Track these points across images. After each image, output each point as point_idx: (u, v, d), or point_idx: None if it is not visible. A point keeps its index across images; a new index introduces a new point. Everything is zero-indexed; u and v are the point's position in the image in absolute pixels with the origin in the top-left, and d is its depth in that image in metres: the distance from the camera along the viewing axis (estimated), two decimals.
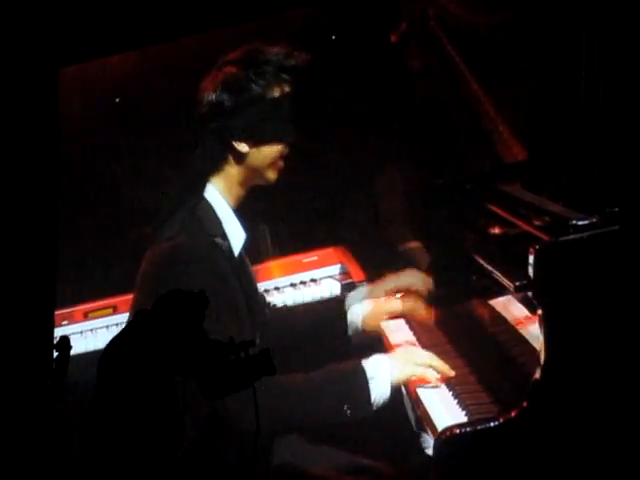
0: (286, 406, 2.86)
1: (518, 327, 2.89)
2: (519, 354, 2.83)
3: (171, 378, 2.37)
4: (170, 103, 3.79)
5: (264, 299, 3.42)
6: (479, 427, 2.61)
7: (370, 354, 3.10)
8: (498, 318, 3.03)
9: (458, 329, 3.23)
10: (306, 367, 2.98)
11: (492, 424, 2.60)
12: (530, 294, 2.66)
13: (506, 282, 2.78)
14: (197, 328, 2.36)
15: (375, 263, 3.85)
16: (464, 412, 2.76)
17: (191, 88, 3.18)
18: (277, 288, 3.84)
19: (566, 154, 3.02)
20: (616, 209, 2.63)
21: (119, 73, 3.77)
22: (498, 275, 2.86)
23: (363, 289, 3.28)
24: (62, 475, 2.89)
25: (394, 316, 3.49)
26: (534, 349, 2.69)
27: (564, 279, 2.60)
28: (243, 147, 3.06)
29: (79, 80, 3.67)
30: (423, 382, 2.95)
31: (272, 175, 3.11)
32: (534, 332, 2.68)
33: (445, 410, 2.81)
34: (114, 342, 2.40)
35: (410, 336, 3.32)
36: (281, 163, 3.11)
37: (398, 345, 3.22)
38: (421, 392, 2.93)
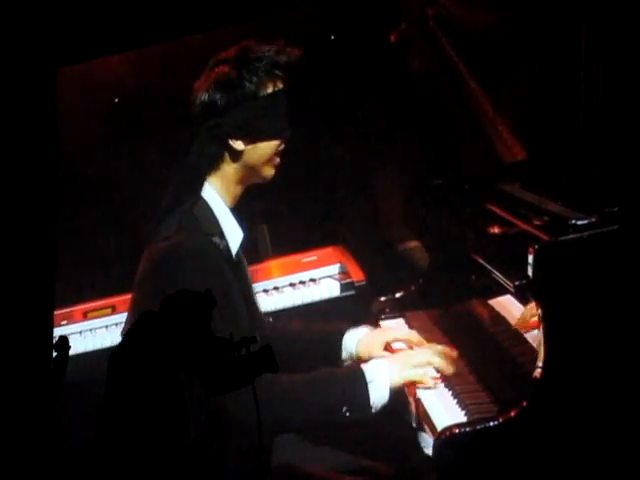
0: (285, 406, 2.86)
1: (517, 326, 2.90)
2: (519, 354, 2.83)
3: (178, 376, 2.37)
4: (170, 103, 3.79)
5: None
6: (479, 427, 2.61)
7: None
8: (497, 318, 3.03)
9: (457, 329, 3.24)
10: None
11: (492, 424, 2.60)
12: (529, 294, 2.66)
13: (505, 282, 2.79)
14: (205, 328, 2.36)
15: (374, 263, 3.86)
16: (464, 412, 2.76)
17: (190, 88, 3.18)
18: (276, 288, 3.85)
19: (565, 154, 3.02)
20: (616, 209, 2.63)
21: (118, 73, 3.77)
22: (497, 275, 2.87)
23: (362, 330, 3.26)
24: (62, 474, 2.89)
25: (393, 316, 3.49)
26: (534, 349, 2.69)
27: (563, 279, 2.60)
28: (239, 145, 3.06)
29: (78, 80, 3.67)
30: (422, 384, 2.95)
31: (269, 172, 3.11)
32: (534, 332, 2.68)
33: (444, 410, 2.81)
34: (123, 344, 2.40)
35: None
36: (277, 159, 3.11)
37: (400, 349, 3.21)
38: (420, 392, 2.93)
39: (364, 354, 3.21)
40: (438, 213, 3.51)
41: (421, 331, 3.31)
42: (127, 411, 2.36)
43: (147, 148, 3.82)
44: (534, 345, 2.70)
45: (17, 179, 3.18)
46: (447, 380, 2.95)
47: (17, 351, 3.12)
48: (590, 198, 2.77)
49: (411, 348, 3.18)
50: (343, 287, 3.83)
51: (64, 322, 3.81)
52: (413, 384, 2.96)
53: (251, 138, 3.05)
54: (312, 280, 3.88)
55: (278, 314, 3.66)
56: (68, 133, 3.52)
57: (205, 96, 3.05)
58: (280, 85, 3.08)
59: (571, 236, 2.61)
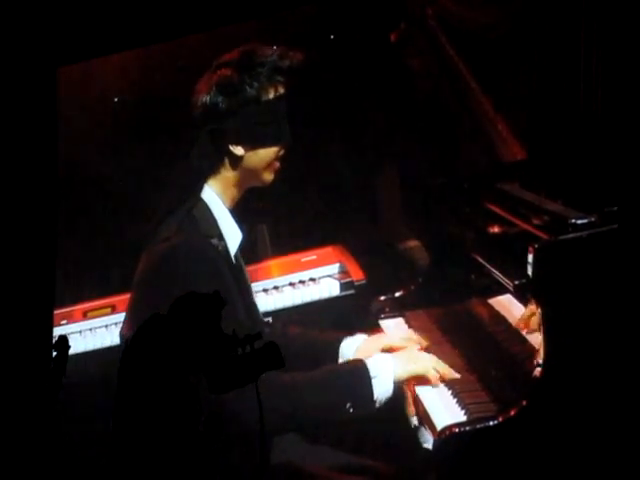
0: (287, 403, 2.86)
1: (517, 326, 2.90)
2: (518, 353, 2.83)
3: (187, 377, 2.38)
4: (170, 103, 3.79)
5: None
6: (478, 426, 2.61)
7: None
8: (497, 317, 3.03)
9: (457, 328, 3.24)
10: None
11: (492, 423, 2.60)
12: (529, 293, 2.66)
13: (505, 281, 2.79)
14: (215, 329, 2.36)
15: (374, 262, 3.86)
16: (463, 411, 2.76)
17: (190, 88, 3.18)
18: (276, 287, 3.85)
19: (565, 153, 3.02)
20: (615, 208, 2.63)
21: (118, 72, 3.77)
22: (497, 274, 2.87)
23: (360, 337, 3.26)
24: (61, 474, 2.89)
25: (393, 315, 3.50)
26: (533, 348, 2.69)
27: (563, 278, 2.60)
28: (239, 150, 3.05)
29: (77, 79, 3.67)
30: (424, 382, 2.94)
31: (268, 176, 3.11)
32: (534, 331, 2.68)
33: (444, 409, 2.81)
34: (132, 348, 2.40)
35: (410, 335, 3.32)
36: (277, 164, 3.10)
37: (401, 347, 3.21)
38: (420, 391, 2.93)
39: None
40: (438, 212, 3.51)
41: (421, 330, 3.31)
42: (139, 413, 2.36)
43: (147, 148, 3.82)
44: (534, 344, 2.70)
45: (17, 179, 3.18)
46: (447, 379, 2.95)
47: (17, 350, 3.12)
48: (590, 197, 2.77)
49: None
50: (343, 286, 3.83)
51: (64, 322, 3.81)
52: (413, 382, 2.95)
53: (251, 144, 3.05)
54: (312, 279, 3.88)
55: (278, 313, 3.67)
56: (68, 133, 3.52)
57: (207, 98, 3.04)
58: (282, 90, 3.07)
59: (571, 235, 2.61)
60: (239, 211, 3.14)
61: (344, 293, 3.81)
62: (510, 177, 3.28)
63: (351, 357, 3.22)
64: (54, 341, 2.78)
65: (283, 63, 3.03)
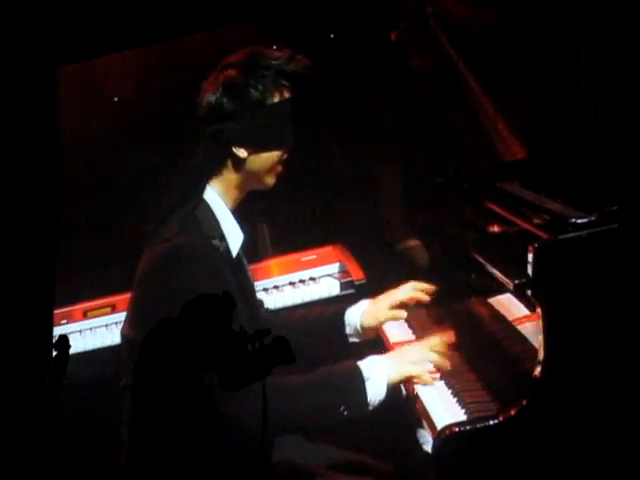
0: (283, 407, 2.86)
1: (517, 325, 2.90)
2: (518, 352, 2.83)
3: (201, 379, 2.38)
4: (170, 103, 3.79)
5: (261, 302, 3.41)
6: (479, 425, 2.61)
7: (369, 353, 3.10)
8: (497, 316, 3.03)
9: (458, 327, 3.23)
10: (304, 370, 2.97)
11: (492, 422, 2.60)
12: (529, 292, 2.66)
13: (505, 280, 2.78)
14: (227, 330, 2.37)
15: (374, 262, 3.86)
16: (463, 410, 2.76)
17: (191, 88, 3.18)
18: (276, 287, 3.85)
19: (565, 152, 3.02)
20: (615, 207, 2.63)
21: (118, 72, 3.77)
22: (497, 273, 2.87)
23: (364, 302, 3.28)
24: (61, 474, 2.89)
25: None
26: (533, 347, 2.69)
27: (563, 277, 2.60)
28: (242, 152, 3.05)
29: (78, 79, 3.68)
30: (419, 382, 2.95)
31: (271, 180, 3.11)
32: (533, 330, 2.68)
33: (444, 408, 2.81)
34: (147, 353, 2.40)
35: (409, 334, 3.33)
36: (280, 168, 3.10)
37: (397, 344, 3.22)
38: (420, 389, 2.93)
39: (371, 322, 3.24)
40: (438, 212, 3.51)
41: (421, 329, 3.31)
42: (158, 417, 2.36)
43: (147, 148, 3.82)
44: (534, 343, 2.70)
45: (17, 178, 3.18)
46: (447, 378, 2.95)
47: (17, 350, 3.12)
48: (590, 197, 2.77)
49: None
50: (343, 286, 3.83)
51: (64, 321, 3.82)
52: (411, 381, 2.96)
53: (254, 147, 3.04)
54: (312, 279, 3.88)
55: (278, 313, 3.67)
56: (68, 132, 3.52)
57: (212, 98, 3.04)
58: (287, 95, 3.06)
59: (571, 235, 2.61)
60: (240, 211, 3.14)
61: (344, 292, 3.81)
62: (510, 176, 3.28)
63: (358, 323, 3.24)
64: (54, 341, 2.78)
65: (289, 67, 3.03)
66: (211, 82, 3.06)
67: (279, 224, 4.01)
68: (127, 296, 3.21)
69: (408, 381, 2.96)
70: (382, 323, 3.27)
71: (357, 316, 3.26)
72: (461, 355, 3.05)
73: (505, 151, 3.46)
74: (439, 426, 2.68)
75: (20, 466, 2.86)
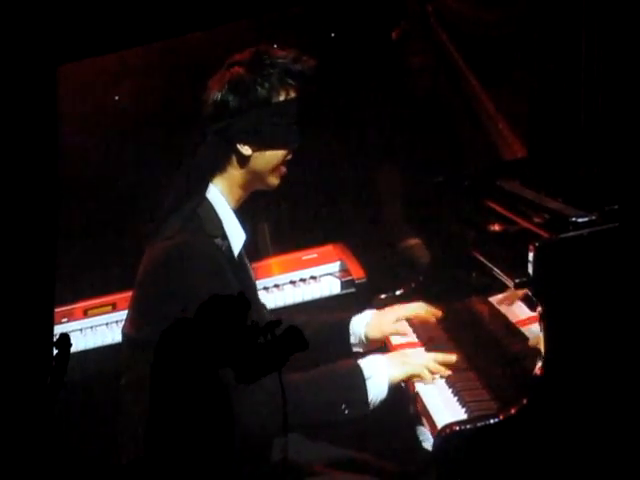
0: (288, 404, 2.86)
1: (518, 324, 2.90)
2: (519, 351, 2.83)
3: (217, 376, 2.39)
4: (171, 101, 3.79)
5: (264, 305, 3.41)
6: (479, 424, 2.61)
7: (370, 353, 3.11)
8: (498, 315, 3.03)
9: (458, 326, 3.24)
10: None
11: (492, 421, 2.60)
12: (530, 291, 2.66)
13: (506, 279, 2.78)
14: (244, 329, 2.37)
15: (375, 260, 3.86)
16: (464, 409, 2.76)
17: (191, 87, 3.18)
18: (277, 285, 3.85)
19: (566, 151, 3.02)
20: (616, 206, 2.63)
21: (118, 71, 3.77)
22: (498, 272, 2.86)
23: (369, 313, 3.28)
24: (62, 473, 2.89)
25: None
26: (534, 346, 2.69)
27: (564, 276, 2.60)
28: (246, 150, 3.05)
29: (78, 78, 3.68)
30: (419, 381, 2.95)
31: (274, 180, 3.11)
32: (534, 329, 2.68)
33: (445, 407, 2.81)
34: (162, 355, 2.41)
35: (410, 333, 3.33)
36: (284, 169, 3.10)
37: (400, 346, 3.22)
38: (420, 388, 2.94)
39: (376, 334, 3.24)
40: (438, 211, 3.51)
41: (422, 329, 3.31)
42: (176, 418, 2.37)
43: (147, 147, 3.82)
44: (534, 342, 2.70)
45: (18, 177, 3.18)
46: (447, 377, 2.95)
47: (18, 349, 3.13)
48: (590, 196, 2.77)
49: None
50: (343, 284, 3.83)
51: (64, 319, 3.82)
52: (412, 380, 2.96)
53: (259, 145, 3.05)
54: (312, 278, 3.88)
55: (279, 312, 3.67)
56: (68, 131, 3.53)
57: (218, 96, 3.04)
58: (293, 94, 3.06)
59: (571, 234, 2.61)
60: (242, 210, 3.14)
61: (345, 291, 3.81)
62: (511, 175, 3.27)
63: (362, 334, 3.24)
64: (55, 339, 2.78)
65: (295, 67, 3.03)
66: (217, 80, 3.07)
67: (280, 223, 4.01)
68: (128, 294, 3.22)
69: (409, 380, 2.96)
70: (386, 336, 3.26)
71: (362, 326, 3.25)
72: (461, 354, 3.05)
73: (505, 150, 3.46)
74: (439, 425, 2.68)
75: (21, 464, 2.86)
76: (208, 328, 2.37)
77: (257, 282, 3.44)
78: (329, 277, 3.88)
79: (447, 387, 2.90)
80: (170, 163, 3.37)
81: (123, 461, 3.02)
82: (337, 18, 3.88)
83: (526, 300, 2.78)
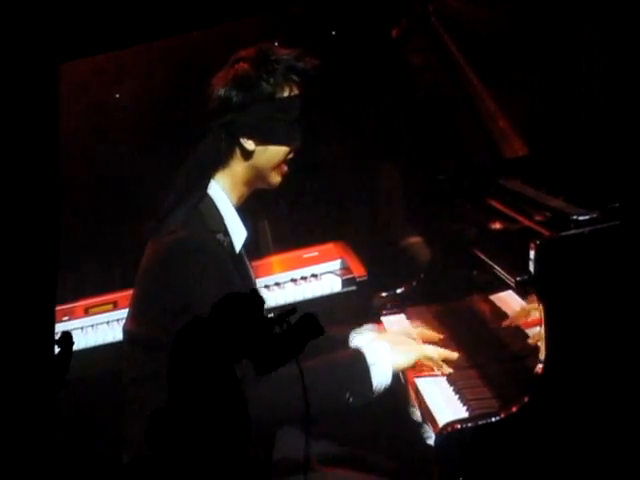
0: (287, 394, 2.86)
1: (519, 322, 2.90)
2: (520, 349, 2.83)
3: (234, 373, 2.40)
4: (171, 99, 3.79)
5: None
6: (480, 422, 2.61)
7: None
8: (499, 313, 3.04)
9: (459, 324, 3.24)
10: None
11: (493, 419, 2.60)
12: (531, 289, 2.67)
13: (507, 277, 2.79)
14: (260, 323, 2.38)
15: (376, 258, 3.86)
16: (465, 407, 2.76)
17: (192, 85, 3.18)
18: (278, 284, 3.85)
19: (567, 149, 3.02)
20: (617, 204, 2.63)
21: (120, 69, 3.77)
22: (499, 270, 2.87)
23: (368, 335, 3.28)
24: (63, 471, 2.89)
25: (394, 311, 3.50)
26: (535, 344, 2.69)
27: (565, 274, 2.60)
28: (250, 144, 3.06)
29: (79, 76, 3.68)
30: (423, 371, 2.94)
31: (276, 178, 3.12)
32: (535, 327, 2.69)
33: (446, 405, 2.82)
34: (178, 354, 2.41)
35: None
36: (285, 167, 3.12)
37: None
38: (422, 386, 2.94)
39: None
40: (439, 209, 3.52)
41: (423, 326, 3.31)
42: (197, 414, 2.37)
43: (148, 145, 3.83)
44: (535, 340, 2.70)
45: (19, 176, 3.18)
46: (448, 375, 2.95)
47: (19, 347, 3.12)
48: (592, 194, 2.78)
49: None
50: (344, 283, 3.83)
51: (65, 318, 3.82)
52: (413, 372, 2.96)
53: (262, 139, 3.06)
54: (313, 276, 3.88)
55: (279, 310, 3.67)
56: (69, 130, 3.53)
57: (223, 91, 3.06)
58: (295, 91, 3.09)
59: (572, 232, 2.61)
60: (243, 208, 3.15)
61: (346, 289, 3.81)
62: (511, 173, 3.27)
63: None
64: (58, 338, 2.78)
65: (299, 64, 3.06)
66: (222, 76, 3.09)
67: (281, 221, 4.01)
68: (129, 293, 3.22)
69: (410, 373, 2.96)
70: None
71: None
72: (463, 352, 3.05)
73: (506, 148, 3.46)
74: (441, 423, 2.68)
75: (23, 463, 2.86)
76: (226, 325, 2.37)
77: (258, 280, 3.44)
78: (330, 275, 3.88)
79: (448, 385, 2.91)
80: (171, 161, 3.37)
81: (125, 459, 3.02)
82: (338, 16, 3.88)
83: (525, 296, 2.79)
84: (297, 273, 3.89)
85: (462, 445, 2.60)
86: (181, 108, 3.76)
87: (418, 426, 2.98)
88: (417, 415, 2.97)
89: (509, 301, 2.98)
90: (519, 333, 2.86)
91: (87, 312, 3.86)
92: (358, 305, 3.63)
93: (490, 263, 2.94)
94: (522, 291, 2.80)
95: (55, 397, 2.78)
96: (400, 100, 3.91)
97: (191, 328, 2.40)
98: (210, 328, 2.37)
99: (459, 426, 2.62)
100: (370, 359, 2.94)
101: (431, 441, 2.74)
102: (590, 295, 2.58)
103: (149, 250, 3.08)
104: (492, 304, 3.10)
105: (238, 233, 3.10)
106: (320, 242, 3.97)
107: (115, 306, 3.84)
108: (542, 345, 2.59)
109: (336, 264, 3.92)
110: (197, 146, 3.11)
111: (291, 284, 3.86)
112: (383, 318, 3.46)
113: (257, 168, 3.09)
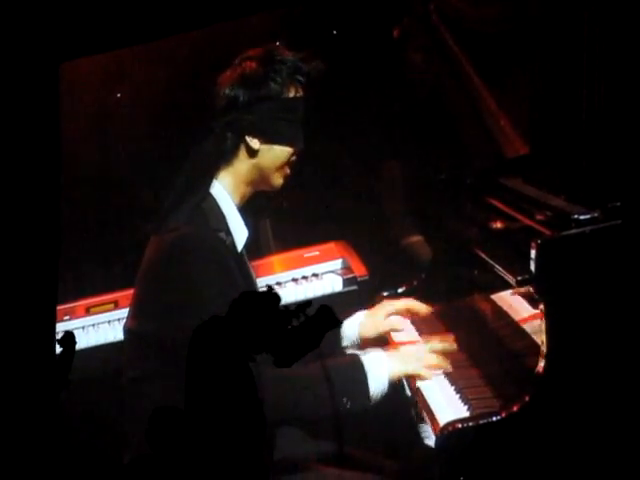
0: (285, 398, 2.87)
1: (520, 321, 2.90)
2: (521, 348, 2.83)
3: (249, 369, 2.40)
4: (172, 98, 3.79)
5: None
6: (481, 421, 2.61)
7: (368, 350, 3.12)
8: (500, 313, 3.03)
9: (460, 324, 3.24)
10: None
11: (494, 418, 2.60)
12: (532, 288, 2.66)
13: (508, 276, 2.78)
14: (277, 319, 2.38)
15: (377, 258, 3.86)
16: (466, 406, 2.77)
17: (193, 84, 3.18)
18: (279, 283, 3.85)
19: (568, 148, 3.02)
20: (618, 204, 2.63)
21: (120, 68, 3.77)
22: (500, 270, 2.87)
23: (360, 314, 3.29)
24: (64, 471, 2.89)
25: (396, 313, 3.49)
26: (536, 343, 2.69)
27: (566, 273, 2.60)
28: (255, 143, 3.07)
29: (80, 75, 3.68)
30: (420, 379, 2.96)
31: (278, 180, 3.12)
32: (536, 326, 2.68)
33: (447, 404, 2.82)
34: (197, 352, 2.41)
35: (412, 331, 3.33)
36: (288, 170, 3.12)
37: (401, 343, 3.22)
38: (422, 385, 2.94)
39: (370, 332, 3.27)
40: (440, 208, 3.51)
41: (424, 326, 3.31)
42: (216, 412, 2.37)
43: (149, 144, 3.83)
44: (536, 340, 2.70)
45: (20, 175, 3.18)
46: (449, 374, 2.95)
47: (20, 347, 3.12)
48: (593, 193, 2.77)
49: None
50: (345, 282, 3.84)
51: (66, 317, 3.82)
52: (412, 377, 2.96)
53: (268, 138, 3.06)
54: (315, 275, 3.88)
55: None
56: (70, 129, 3.52)
57: (230, 89, 3.07)
58: (301, 92, 3.10)
59: (574, 231, 2.61)
60: (244, 208, 3.15)
61: (347, 289, 3.82)
62: (513, 172, 3.27)
63: (356, 334, 3.27)
64: (60, 337, 2.78)
65: (305, 66, 3.07)
66: (229, 75, 3.09)
67: (282, 220, 4.01)
68: (130, 292, 3.22)
69: (409, 378, 2.97)
70: (381, 333, 3.28)
71: (355, 327, 3.29)
72: (464, 351, 3.05)
73: (508, 147, 3.46)
74: (442, 422, 2.68)
75: (24, 464, 2.86)
76: (245, 322, 2.38)
77: (259, 280, 3.44)
78: (331, 275, 3.88)
79: (449, 384, 2.91)
80: (172, 161, 3.37)
81: (127, 459, 3.02)
82: (339, 16, 3.88)
83: (528, 297, 2.79)
84: (298, 272, 3.89)
85: (463, 444, 2.60)
86: (182, 108, 3.76)
87: (419, 425, 2.98)
88: (418, 414, 2.97)
89: (510, 300, 2.98)
90: (520, 332, 2.86)
91: (88, 311, 3.86)
92: (359, 305, 3.63)
93: (491, 262, 2.94)
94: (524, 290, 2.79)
95: (57, 397, 2.78)
96: (401, 99, 3.91)
97: (209, 326, 2.40)
98: (229, 326, 2.37)
99: (460, 425, 2.62)
100: (367, 366, 2.95)
101: (431, 441, 2.74)
102: (591, 294, 2.58)
103: (151, 247, 3.08)
104: (493, 303, 3.09)
105: (240, 233, 3.10)
106: (321, 241, 3.97)
107: (116, 305, 3.84)
108: (543, 344, 2.59)
109: (337, 263, 3.92)
110: (200, 145, 3.11)
111: (292, 284, 3.86)
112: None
113: (261, 168, 3.09)
